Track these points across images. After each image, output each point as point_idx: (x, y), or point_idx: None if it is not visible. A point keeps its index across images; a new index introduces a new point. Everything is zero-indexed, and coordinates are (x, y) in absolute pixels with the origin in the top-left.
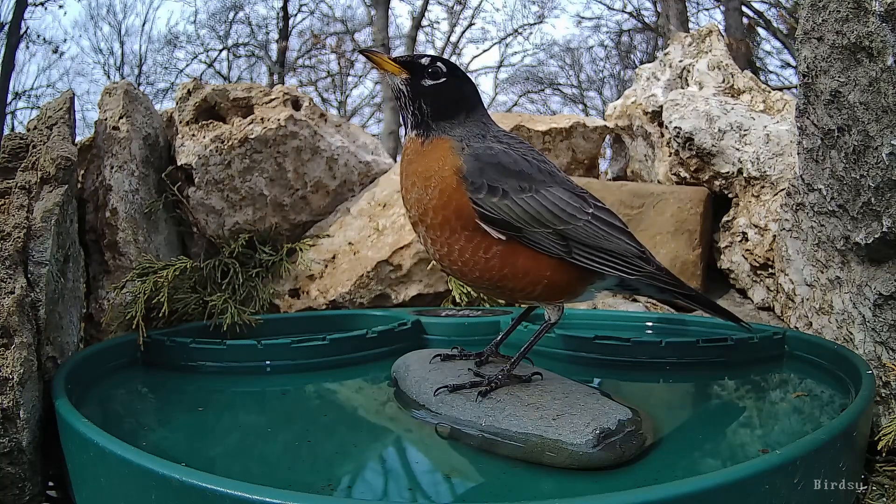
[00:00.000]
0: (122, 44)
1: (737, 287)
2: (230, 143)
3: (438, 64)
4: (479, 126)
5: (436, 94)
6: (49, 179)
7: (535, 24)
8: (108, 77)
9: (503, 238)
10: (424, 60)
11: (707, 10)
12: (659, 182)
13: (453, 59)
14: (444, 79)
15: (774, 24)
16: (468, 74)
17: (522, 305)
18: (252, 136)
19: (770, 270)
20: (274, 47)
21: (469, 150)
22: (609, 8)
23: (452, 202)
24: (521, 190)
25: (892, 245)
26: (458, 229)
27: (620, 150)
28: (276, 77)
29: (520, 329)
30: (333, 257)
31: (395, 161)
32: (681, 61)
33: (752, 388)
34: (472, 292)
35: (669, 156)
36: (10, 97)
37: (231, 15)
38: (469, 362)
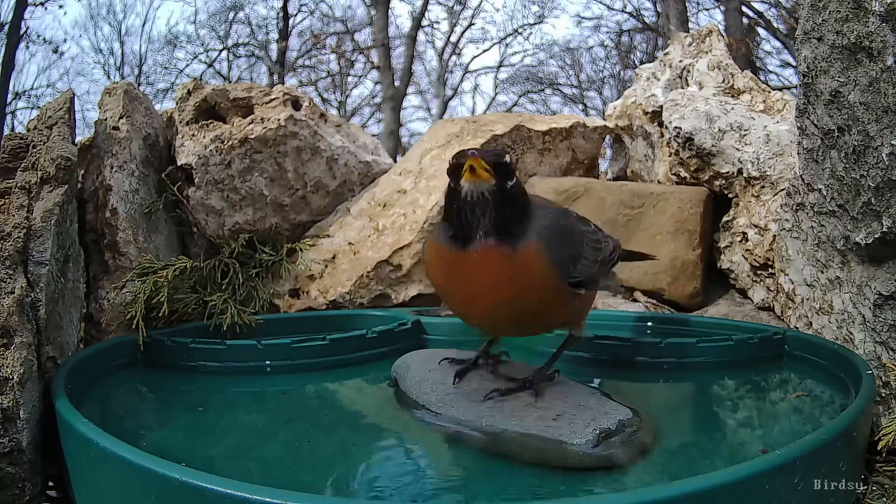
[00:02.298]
0: (122, 44)
1: (737, 287)
2: (230, 143)
3: (509, 158)
4: (530, 203)
5: (514, 197)
6: (49, 179)
7: (535, 24)
8: (108, 77)
9: (583, 291)
10: (508, 159)
11: (707, 10)
12: (659, 182)
13: (453, 59)
14: (515, 178)
15: (774, 24)
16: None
17: None
18: (252, 136)
19: (770, 270)
20: (274, 47)
21: (545, 236)
22: (609, 8)
23: (551, 292)
24: (579, 245)
25: (892, 245)
26: (553, 306)
27: (620, 150)
28: (276, 77)
29: None
30: (333, 257)
31: (395, 161)
32: (681, 61)
33: (752, 388)
34: None
35: (669, 156)
36: (10, 97)
37: (231, 15)
38: (484, 369)
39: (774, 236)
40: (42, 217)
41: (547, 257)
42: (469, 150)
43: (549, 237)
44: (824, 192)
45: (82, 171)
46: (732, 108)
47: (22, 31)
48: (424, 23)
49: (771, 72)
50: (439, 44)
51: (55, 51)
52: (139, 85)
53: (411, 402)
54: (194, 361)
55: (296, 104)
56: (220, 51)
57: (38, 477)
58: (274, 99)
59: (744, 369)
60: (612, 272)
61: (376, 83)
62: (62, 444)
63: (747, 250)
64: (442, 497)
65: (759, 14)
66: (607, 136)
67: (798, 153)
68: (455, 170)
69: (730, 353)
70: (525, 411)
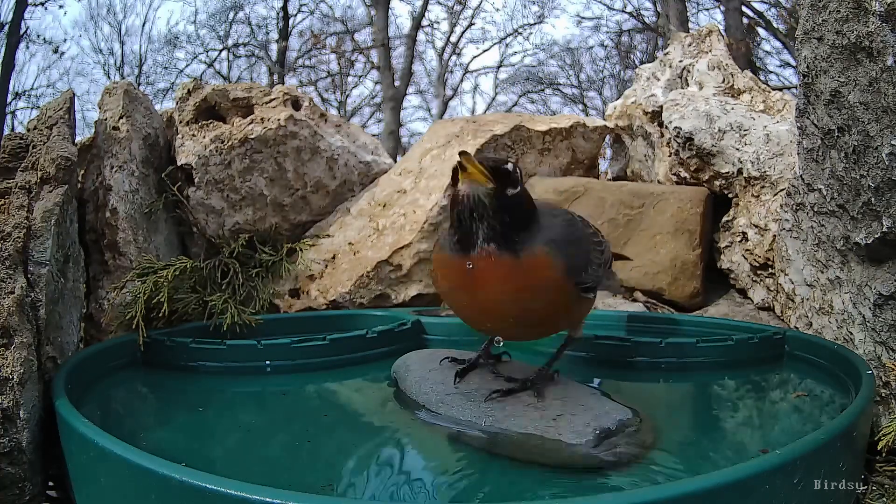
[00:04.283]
0: (122, 44)
1: (737, 287)
2: (230, 143)
3: (516, 169)
4: (535, 210)
5: (518, 205)
6: (49, 179)
7: (535, 24)
8: (108, 77)
9: (592, 295)
10: (510, 166)
11: (707, 10)
12: (659, 182)
13: (453, 59)
14: (520, 186)
15: (774, 24)
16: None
17: None
18: (252, 136)
19: (770, 270)
20: (274, 47)
21: (553, 241)
22: (609, 8)
23: (563, 296)
24: (588, 252)
25: (892, 245)
26: (563, 310)
27: (620, 150)
28: (276, 77)
29: None
30: (333, 257)
31: (395, 161)
32: (681, 61)
33: (752, 388)
34: None
35: (669, 156)
36: (10, 97)
37: (231, 15)
38: (484, 369)
39: (774, 236)
40: (42, 217)
41: (560, 266)
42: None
43: (562, 247)
44: (824, 192)
45: (82, 171)
46: (732, 108)
47: (22, 31)
48: (424, 23)
49: (771, 72)
50: (439, 44)
51: (55, 51)
52: (139, 85)
53: (411, 402)
54: (194, 361)
55: (296, 104)
56: (220, 51)
57: (38, 477)
58: (274, 99)
59: (744, 369)
60: (612, 272)
61: (376, 83)
62: (62, 444)
63: (747, 250)
64: (441, 497)
65: (759, 14)
66: (607, 136)
67: (798, 153)
68: (455, 173)
69: (730, 353)
70: (525, 411)
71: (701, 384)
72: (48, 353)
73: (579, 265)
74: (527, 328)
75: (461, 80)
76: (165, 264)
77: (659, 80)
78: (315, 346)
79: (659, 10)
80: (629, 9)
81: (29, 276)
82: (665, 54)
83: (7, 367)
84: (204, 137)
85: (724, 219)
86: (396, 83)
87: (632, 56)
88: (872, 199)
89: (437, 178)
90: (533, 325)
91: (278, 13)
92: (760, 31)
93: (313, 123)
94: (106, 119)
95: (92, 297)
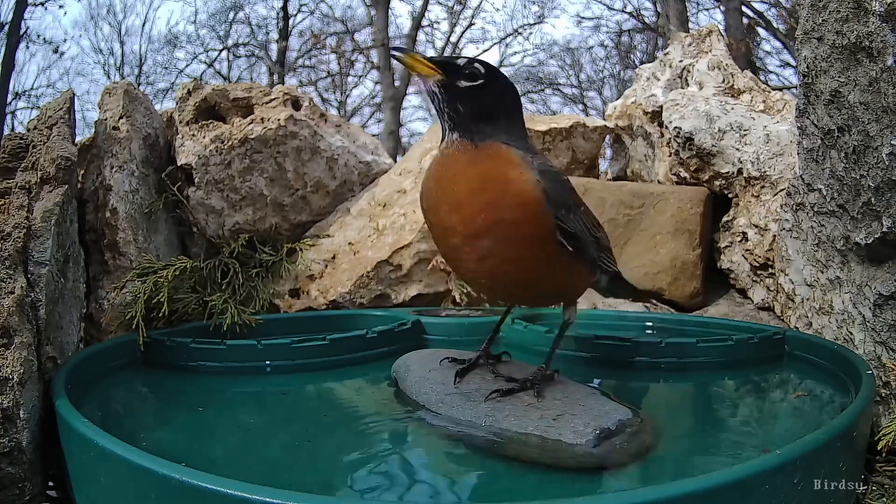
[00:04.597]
0: (122, 44)
1: (737, 287)
2: (230, 143)
3: (476, 65)
4: (525, 137)
5: (473, 96)
6: (49, 179)
7: (535, 24)
8: (108, 77)
9: (571, 250)
10: (460, 61)
11: (707, 10)
12: (659, 182)
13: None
14: (481, 80)
15: (774, 24)
16: (510, 80)
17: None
18: (252, 136)
19: (770, 270)
20: (274, 47)
21: (535, 164)
22: (609, 8)
23: (536, 218)
24: (576, 204)
25: (892, 245)
26: (536, 245)
27: (620, 150)
28: (276, 77)
29: (519, 329)
30: (333, 257)
31: (395, 161)
32: (681, 61)
33: (752, 388)
34: (472, 292)
35: (669, 156)
36: (10, 97)
37: (231, 15)
38: (484, 369)
39: (774, 236)
40: (42, 217)
41: (531, 173)
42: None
43: (541, 171)
44: (824, 192)
45: (82, 171)
46: (732, 108)
47: (22, 31)
48: (424, 23)
49: (771, 72)
50: (439, 44)
51: (55, 51)
52: (139, 85)
53: (411, 402)
54: (194, 361)
55: (296, 104)
56: (220, 51)
57: (38, 477)
58: (274, 99)
59: (744, 369)
60: (614, 274)
61: (376, 83)
62: (62, 444)
63: (747, 250)
64: (442, 497)
65: (759, 14)
66: (607, 136)
67: (798, 153)
68: None
69: (730, 353)
70: (525, 411)
71: (701, 384)
72: (48, 353)
73: (559, 200)
74: (500, 255)
75: None
76: (165, 264)
77: (659, 80)
78: (315, 346)
79: (659, 10)
80: (629, 9)
81: (29, 276)
82: (665, 54)
83: (7, 367)
84: (204, 137)
85: (724, 219)
86: (396, 83)
87: (632, 56)
88: (872, 199)
89: None
90: (505, 246)
91: (278, 13)
92: (760, 31)
93: (313, 123)
94: (106, 119)
95: (92, 297)
